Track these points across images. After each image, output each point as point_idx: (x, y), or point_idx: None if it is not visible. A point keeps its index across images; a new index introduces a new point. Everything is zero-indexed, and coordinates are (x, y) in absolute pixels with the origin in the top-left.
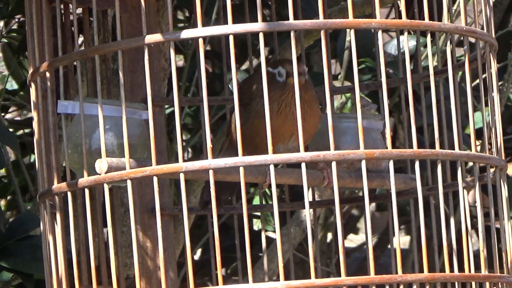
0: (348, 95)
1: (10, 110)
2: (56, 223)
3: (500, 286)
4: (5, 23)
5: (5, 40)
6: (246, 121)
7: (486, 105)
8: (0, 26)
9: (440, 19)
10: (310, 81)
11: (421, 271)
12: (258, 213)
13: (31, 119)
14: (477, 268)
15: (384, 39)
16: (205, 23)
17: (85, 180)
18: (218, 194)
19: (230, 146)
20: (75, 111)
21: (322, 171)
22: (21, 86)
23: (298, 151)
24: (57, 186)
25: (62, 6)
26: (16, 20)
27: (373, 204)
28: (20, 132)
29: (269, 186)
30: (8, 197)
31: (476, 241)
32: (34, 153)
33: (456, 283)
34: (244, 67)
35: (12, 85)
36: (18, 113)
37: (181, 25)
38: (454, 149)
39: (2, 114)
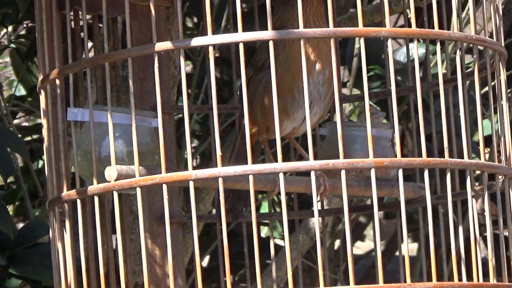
0: (356, 103)
1: (17, 116)
2: (65, 231)
3: None
4: (13, 28)
5: (13, 46)
6: (259, 82)
7: (495, 112)
8: (8, 31)
9: (449, 26)
10: None
11: (429, 279)
12: (266, 221)
13: (39, 125)
14: (486, 276)
15: (393, 47)
16: (215, 31)
17: (94, 187)
18: (233, 205)
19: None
20: (85, 119)
21: (318, 178)
22: (29, 92)
23: (330, 84)
24: (66, 193)
25: (72, 13)
26: (24, 25)
27: (381, 212)
28: (28, 138)
29: (278, 194)
30: (16, 203)
31: (484, 248)
32: (42, 159)
33: None
34: None
35: (20, 90)
36: (25, 119)
37: (189, 32)
38: (463, 156)
39: None
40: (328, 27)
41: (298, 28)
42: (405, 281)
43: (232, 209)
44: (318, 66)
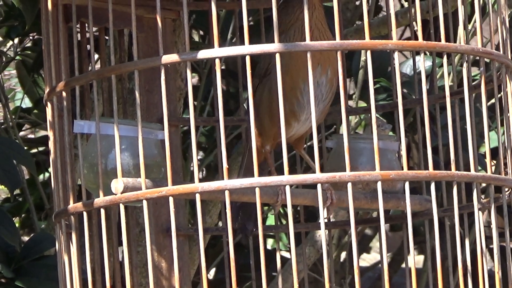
0: (363, 115)
1: (23, 128)
2: (72, 243)
3: None
4: (19, 40)
5: (19, 58)
6: (264, 89)
7: (502, 125)
8: (14, 43)
9: (455, 38)
10: None
11: None
12: (272, 233)
13: (45, 137)
14: None
15: (399, 59)
16: (221, 43)
17: (101, 200)
18: (243, 224)
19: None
20: (91, 131)
21: (325, 191)
22: (35, 104)
23: (332, 84)
24: (72, 206)
25: (78, 26)
26: (31, 37)
27: (387, 224)
28: (34, 150)
29: (283, 206)
30: (23, 215)
31: (490, 261)
32: (48, 171)
33: None
34: None
35: (25, 102)
36: (31, 131)
37: (193, 46)
38: (469, 169)
39: None
40: (330, 30)
41: (301, 33)
42: None
43: (243, 229)
44: (320, 67)
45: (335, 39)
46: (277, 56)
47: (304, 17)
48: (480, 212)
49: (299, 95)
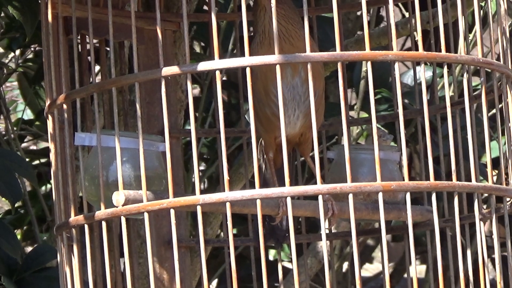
0: (364, 126)
1: (25, 139)
2: (73, 255)
3: None
4: (21, 52)
5: (20, 70)
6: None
7: (503, 134)
8: (15, 55)
9: (456, 48)
10: None
11: None
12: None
13: (47, 148)
14: None
15: (400, 70)
16: (222, 55)
17: (102, 212)
18: (272, 229)
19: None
20: (92, 143)
21: (326, 202)
22: (37, 116)
23: (306, 83)
24: (74, 218)
25: (79, 37)
26: (32, 49)
27: (388, 234)
28: (36, 162)
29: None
30: (24, 227)
31: (492, 270)
32: (50, 183)
33: None
34: None
35: (27, 114)
36: (33, 142)
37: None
38: (470, 179)
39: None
40: (302, 26)
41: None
42: None
43: (272, 234)
44: (290, 69)
45: (304, 38)
46: (278, 68)
47: (259, 19)
48: (481, 222)
49: (274, 99)
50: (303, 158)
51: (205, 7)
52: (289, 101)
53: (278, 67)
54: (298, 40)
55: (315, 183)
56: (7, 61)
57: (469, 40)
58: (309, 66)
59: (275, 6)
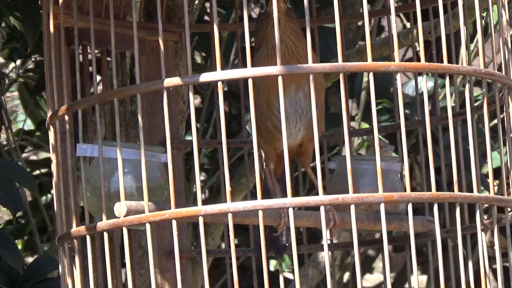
0: (365, 136)
1: (26, 149)
2: (75, 266)
3: None
4: (21, 62)
5: (21, 80)
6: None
7: (504, 145)
8: (16, 65)
9: (457, 58)
10: (292, 8)
11: None
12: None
13: (48, 159)
14: None
15: (401, 80)
16: (223, 65)
17: (104, 223)
18: (273, 239)
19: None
20: (94, 154)
21: (328, 213)
22: (38, 126)
23: (309, 97)
24: (75, 229)
25: (80, 48)
26: (33, 59)
27: (390, 245)
28: (37, 172)
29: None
30: (25, 238)
31: (494, 281)
32: (51, 193)
33: None
34: None
35: (27, 124)
36: (33, 153)
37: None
38: (472, 189)
39: None
40: (306, 42)
41: (267, 49)
42: None
43: (273, 245)
44: (294, 84)
45: (306, 54)
46: (280, 79)
47: (270, 33)
48: (483, 232)
49: (276, 112)
50: (304, 169)
51: (207, 18)
52: (291, 114)
53: (280, 78)
54: (305, 58)
55: (316, 194)
56: (8, 71)
57: (471, 51)
58: (311, 77)
59: (288, 21)
